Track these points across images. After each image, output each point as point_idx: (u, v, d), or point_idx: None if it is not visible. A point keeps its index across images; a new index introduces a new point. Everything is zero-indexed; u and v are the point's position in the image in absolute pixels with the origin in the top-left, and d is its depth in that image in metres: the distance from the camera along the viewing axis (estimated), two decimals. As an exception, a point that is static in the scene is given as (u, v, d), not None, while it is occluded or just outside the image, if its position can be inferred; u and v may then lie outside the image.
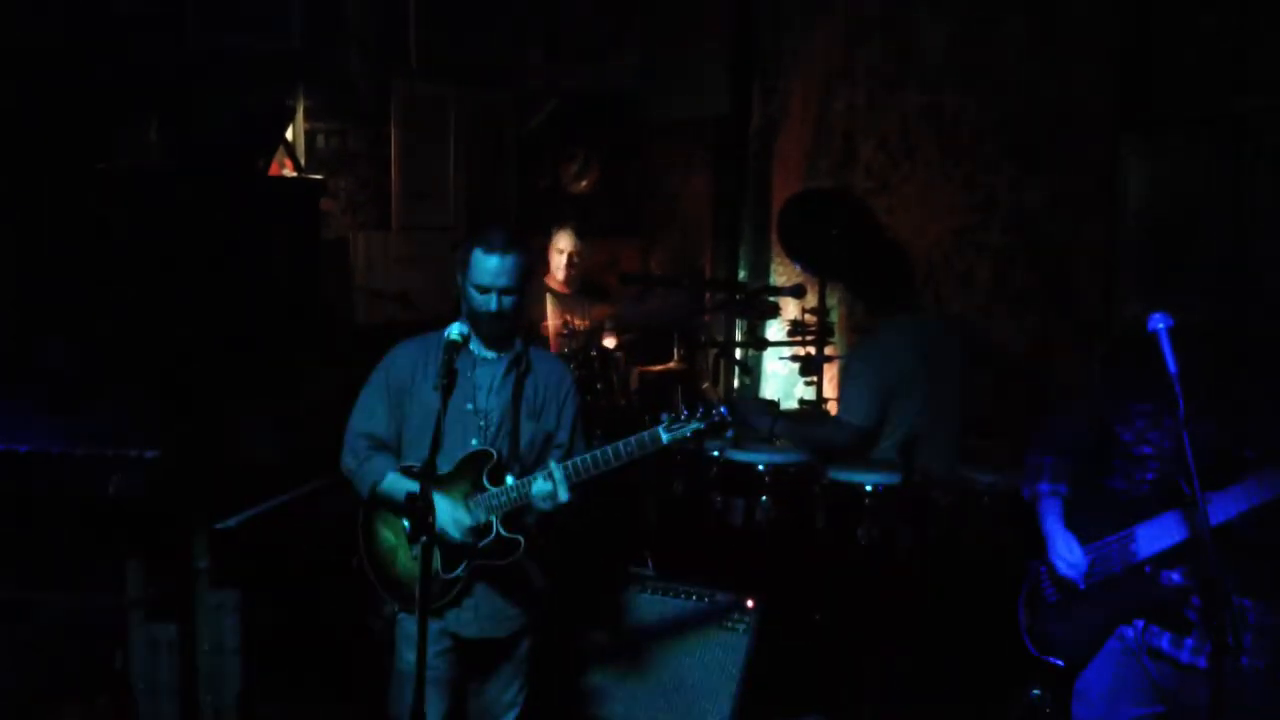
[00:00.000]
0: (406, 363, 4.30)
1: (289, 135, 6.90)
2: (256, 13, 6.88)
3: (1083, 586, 3.93)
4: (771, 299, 7.00)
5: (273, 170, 6.67)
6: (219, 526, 5.02)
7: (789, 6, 7.68)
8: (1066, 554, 3.94)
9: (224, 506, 5.11)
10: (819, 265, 6.51)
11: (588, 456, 4.05)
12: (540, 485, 4.02)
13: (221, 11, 6.78)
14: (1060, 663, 4.05)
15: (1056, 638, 4.05)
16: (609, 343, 6.55)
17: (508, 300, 4.15)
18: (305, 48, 7.01)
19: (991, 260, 6.40)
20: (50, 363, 5.59)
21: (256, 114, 6.48)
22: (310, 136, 7.25)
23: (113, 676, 5.02)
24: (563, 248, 6.82)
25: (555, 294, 6.82)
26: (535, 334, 6.38)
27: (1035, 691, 4.80)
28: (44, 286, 5.76)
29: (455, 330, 3.98)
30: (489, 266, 4.11)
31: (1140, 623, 3.86)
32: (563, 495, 4.00)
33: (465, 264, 4.16)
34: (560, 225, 6.92)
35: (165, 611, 4.97)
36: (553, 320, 6.67)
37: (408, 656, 4.10)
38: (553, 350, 6.33)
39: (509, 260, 4.12)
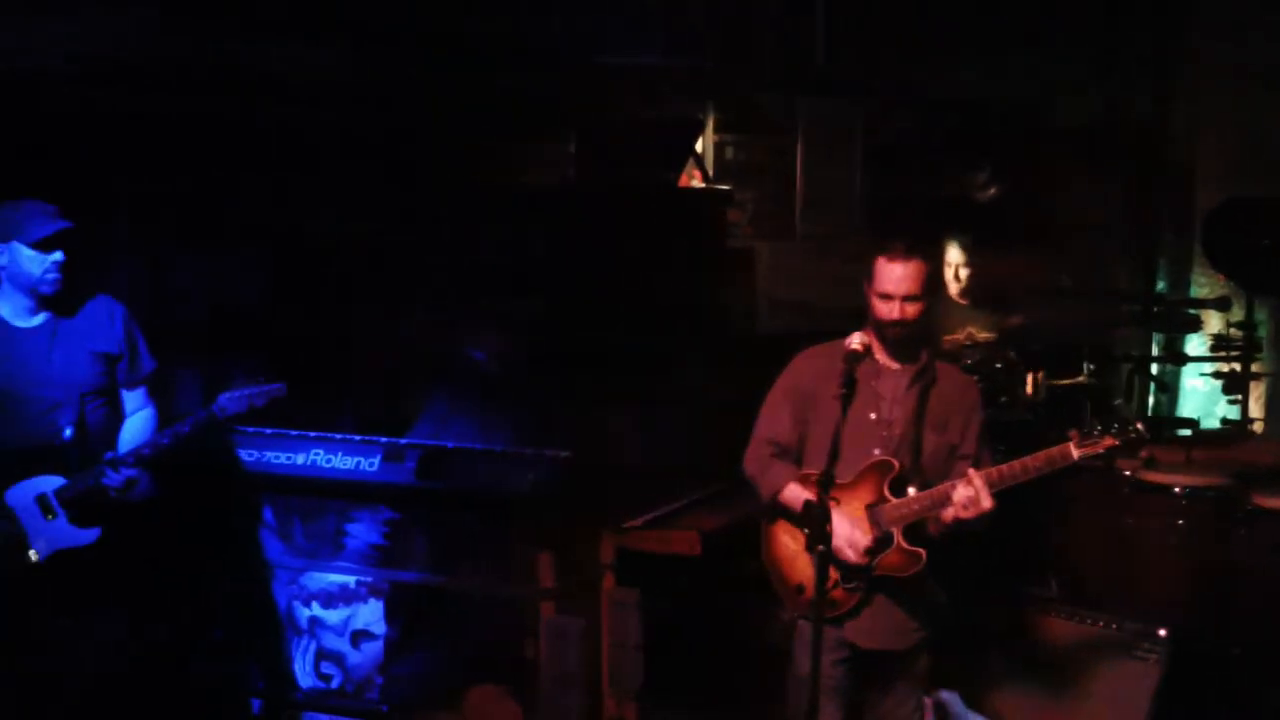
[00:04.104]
0: (811, 371, 4.32)
1: (698, 147, 7.08)
2: (666, 30, 7.10)
3: None
4: (1191, 311, 6.66)
5: (682, 181, 6.85)
6: (625, 526, 5.19)
7: (1216, 9, 7.29)
8: None
9: (628, 507, 5.28)
10: (1248, 277, 6.16)
11: (1003, 467, 3.96)
12: (962, 491, 3.95)
13: (632, 29, 7.02)
14: None
15: None
16: (1014, 355, 6.38)
17: (910, 307, 4.09)
18: (714, 63, 7.17)
19: None
20: (473, 368, 5.93)
21: (667, 127, 6.68)
22: (719, 148, 7.40)
23: (523, 664, 5.27)
24: (950, 260, 6.70)
25: (955, 305, 6.70)
26: (939, 346, 6.28)
27: None
28: (469, 297, 6.12)
29: (857, 339, 4.00)
30: (891, 273, 4.08)
31: None
32: (985, 502, 3.91)
33: (870, 272, 4.14)
34: (948, 238, 6.80)
35: (573, 605, 5.17)
36: (954, 332, 6.54)
37: (804, 663, 4.09)
38: (955, 362, 6.23)
39: (911, 266, 4.07)
